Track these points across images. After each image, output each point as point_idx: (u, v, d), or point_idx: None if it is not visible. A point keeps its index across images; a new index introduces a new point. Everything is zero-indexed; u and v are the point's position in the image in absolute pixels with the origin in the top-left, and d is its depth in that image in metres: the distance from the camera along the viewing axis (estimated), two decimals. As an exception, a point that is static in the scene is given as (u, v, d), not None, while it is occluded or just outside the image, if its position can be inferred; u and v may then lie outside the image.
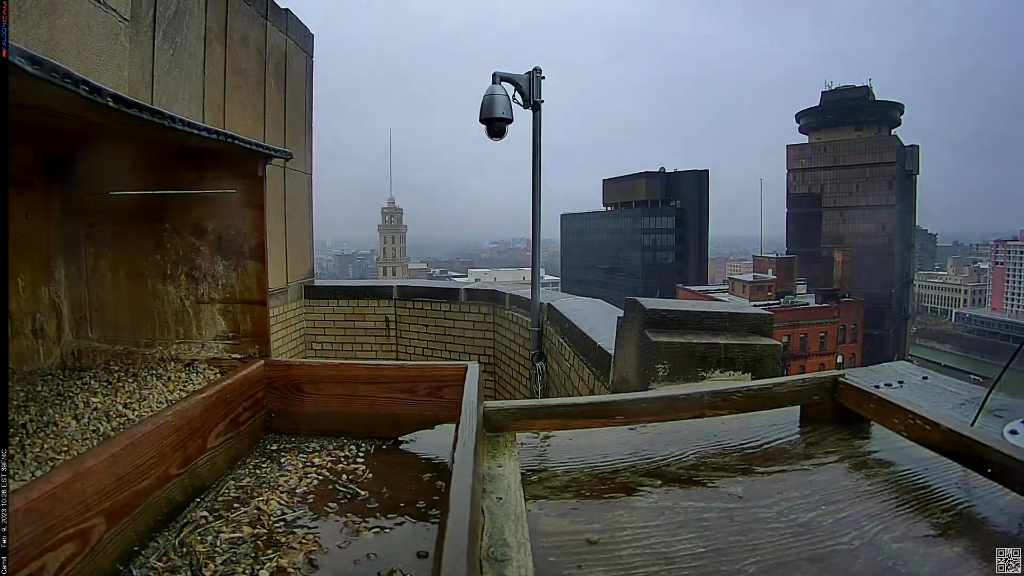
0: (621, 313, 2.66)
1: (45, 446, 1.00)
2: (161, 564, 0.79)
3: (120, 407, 1.16)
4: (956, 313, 79.18)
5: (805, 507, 0.81)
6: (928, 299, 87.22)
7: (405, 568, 0.77)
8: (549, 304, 4.40)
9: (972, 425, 1.41)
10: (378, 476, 1.05)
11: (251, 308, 1.36)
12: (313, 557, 0.81)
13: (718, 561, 0.69)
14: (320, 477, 1.05)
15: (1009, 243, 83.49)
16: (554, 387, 4.25)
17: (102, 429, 1.09)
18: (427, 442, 1.19)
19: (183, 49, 3.84)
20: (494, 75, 4.34)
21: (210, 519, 0.90)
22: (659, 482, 0.90)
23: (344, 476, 1.05)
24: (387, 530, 0.88)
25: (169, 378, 1.30)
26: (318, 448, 1.17)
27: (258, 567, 0.78)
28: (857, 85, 63.00)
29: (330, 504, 0.95)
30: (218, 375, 1.30)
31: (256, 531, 0.87)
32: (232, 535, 0.85)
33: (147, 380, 1.29)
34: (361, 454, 1.15)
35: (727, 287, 47.12)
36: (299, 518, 0.91)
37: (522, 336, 5.03)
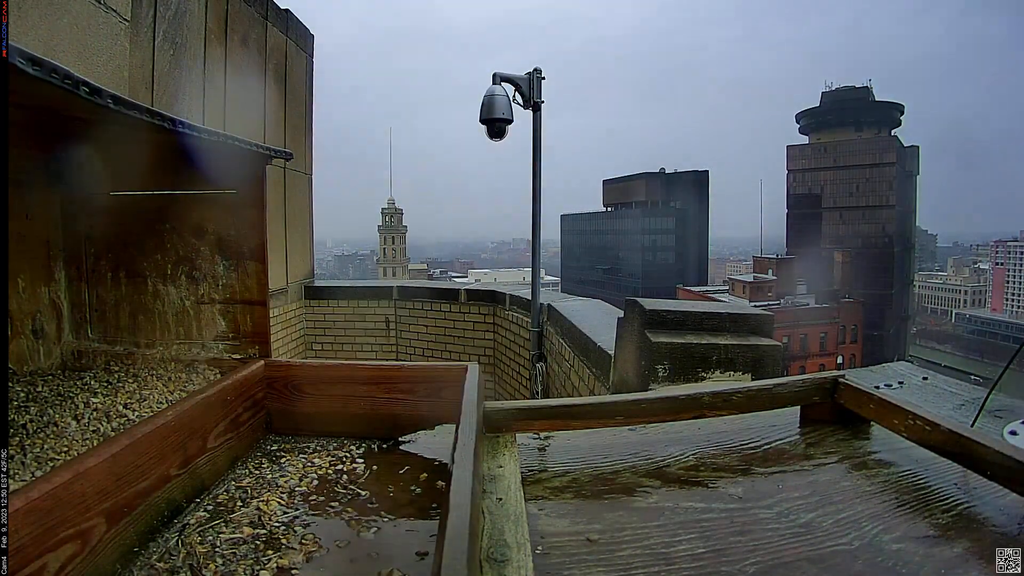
0: (621, 313, 2.66)
1: (45, 446, 1.00)
2: (162, 564, 0.79)
3: (120, 407, 1.16)
4: (956, 314, 79.14)
5: (805, 508, 0.81)
6: (928, 300, 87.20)
7: (405, 568, 0.77)
8: (549, 305, 4.40)
9: (972, 426, 1.41)
10: (378, 476, 1.05)
11: (251, 309, 1.36)
12: (313, 557, 0.81)
13: (718, 562, 0.69)
14: (320, 477, 1.05)
15: (1009, 244, 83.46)
16: (554, 387, 4.25)
17: (102, 429, 1.09)
18: (427, 442, 1.19)
19: (183, 50, 3.84)
20: (494, 76, 4.34)
21: (210, 519, 0.90)
22: (659, 483, 0.90)
23: (344, 476, 1.05)
24: (387, 530, 0.88)
25: (169, 378, 1.31)
26: (318, 448, 1.17)
27: (258, 567, 0.78)
28: (857, 86, 63.03)
29: (330, 504, 0.95)
30: (218, 376, 1.30)
31: (256, 531, 0.87)
32: (232, 535, 0.85)
33: (147, 380, 1.29)
34: (361, 454, 1.15)
35: (727, 288, 47.13)
36: (299, 518, 0.91)
37: (522, 336, 5.03)
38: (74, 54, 1.90)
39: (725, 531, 0.76)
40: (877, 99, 61.97)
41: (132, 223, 1.36)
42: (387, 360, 5.81)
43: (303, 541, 0.84)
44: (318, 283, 6.34)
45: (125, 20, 2.15)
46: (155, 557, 0.81)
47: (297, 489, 1.00)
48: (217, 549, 0.82)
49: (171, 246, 1.36)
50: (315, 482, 1.03)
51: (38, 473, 0.91)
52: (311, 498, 0.97)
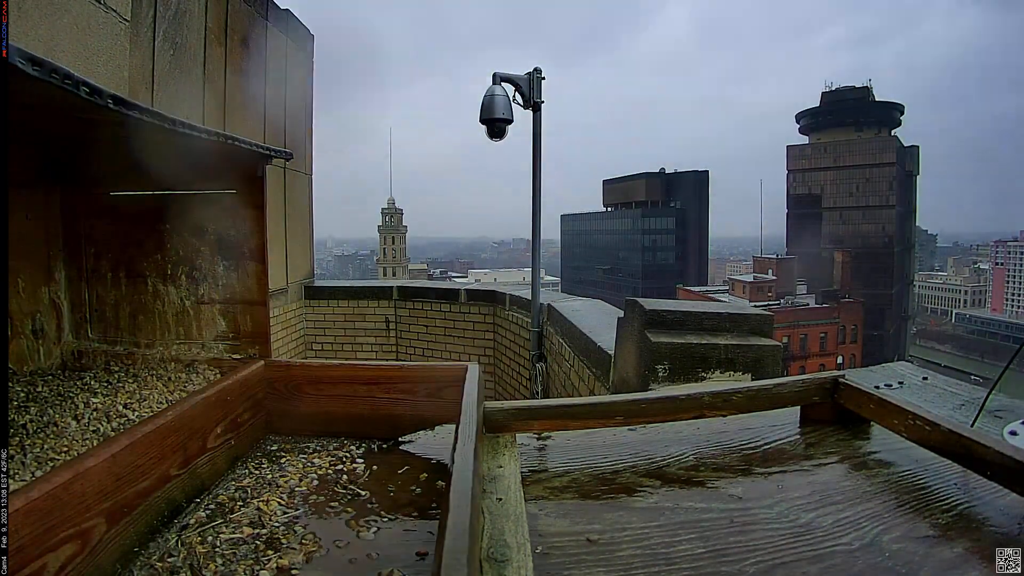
0: (621, 314, 2.66)
1: (45, 446, 1.00)
2: (161, 564, 0.79)
3: (120, 407, 1.16)
4: (956, 314, 79.16)
5: (805, 508, 0.81)
6: (928, 300, 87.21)
7: (405, 568, 0.77)
8: (549, 305, 4.40)
9: (972, 426, 1.41)
10: (378, 476, 1.05)
11: (251, 309, 1.36)
12: (313, 557, 0.81)
13: (718, 562, 0.69)
14: (320, 477, 1.05)
15: (1009, 244, 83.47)
16: (554, 387, 4.25)
17: (102, 429, 1.09)
18: (427, 442, 1.19)
19: (183, 50, 3.84)
20: (494, 75, 4.34)
21: (210, 519, 0.90)
22: (659, 483, 0.90)
23: (344, 476, 1.05)
24: (387, 530, 0.88)
25: (169, 378, 1.31)
26: (318, 448, 1.17)
27: (258, 567, 0.78)
28: (857, 86, 63.03)
29: (330, 504, 0.95)
30: (218, 376, 1.30)
31: (256, 531, 0.87)
32: (232, 535, 0.85)
33: (147, 380, 1.29)
34: (361, 454, 1.15)
35: (727, 288, 47.15)
36: (299, 518, 0.91)
37: (522, 337, 5.03)
38: (74, 54, 1.90)
39: (725, 531, 0.76)
40: (877, 99, 61.96)
41: (132, 223, 1.36)
42: (387, 360, 5.81)
43: (303, 541, 0.84)
44: (318, 283, 6.34)
45: (125, 20, 2.15)
46: (155, 557, 0.81)
47: (297, 489, 1.00)
48: (217, 549, 0.82)
49: (171, 246, 1.36)
50: (315, 482, 1.03)
51: (38, 473, 0.91)
52: (311, 498, 0.97)
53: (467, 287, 6.09)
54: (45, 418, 1.08)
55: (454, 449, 0.77)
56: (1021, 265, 79.54)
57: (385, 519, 0.91)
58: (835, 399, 1.08)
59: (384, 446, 1.18)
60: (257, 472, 1.07)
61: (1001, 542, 0.70)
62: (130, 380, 1.29)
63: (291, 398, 1.25)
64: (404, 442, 1.20)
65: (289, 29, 5.68)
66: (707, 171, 67.89)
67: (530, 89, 4.38)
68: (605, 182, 74.63)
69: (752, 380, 2.02)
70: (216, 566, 0.78)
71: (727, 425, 1.10)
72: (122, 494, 0.80)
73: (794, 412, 1.12)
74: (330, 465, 1.09)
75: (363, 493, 0.99)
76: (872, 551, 0.70)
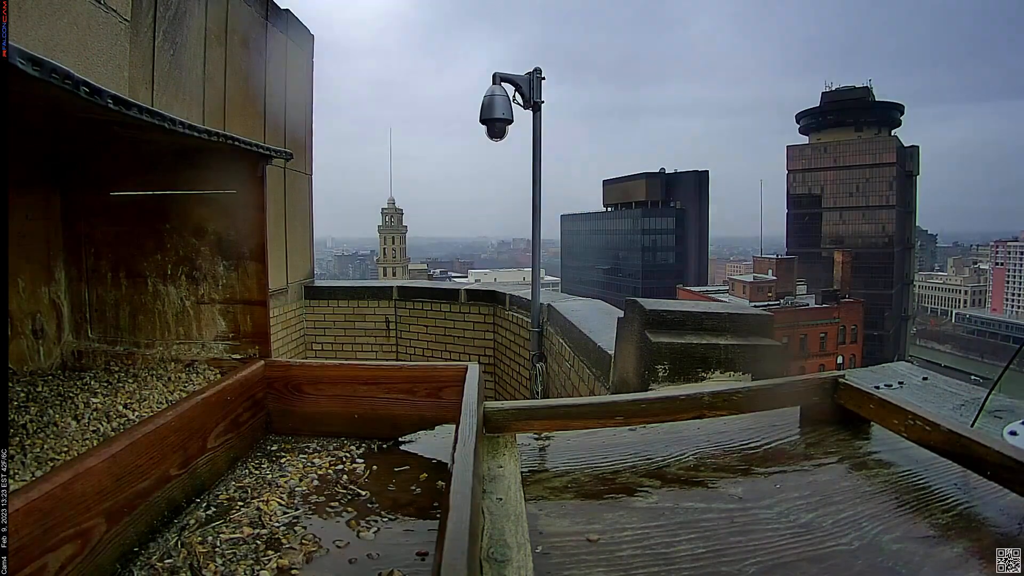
0: (621, 314, 2.66)
1: (45, 446, 1.00)
2: (161, 564, 0.79)
3: (120, 407, 1.16)
4: (956, 314, 79.20)
5: (805, 508, 0.81)
6: (928, 300, 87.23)
7: (405, 568, 0.77)
8: (549, 305, 4.40)
9: (972, 426, 1.41)
10: (378, 476, 1.05)
11: (251, 309, 1.36)
12: (313, 557, 0.81)
13: (718, 562, 0.69)
14: (320, 477, 1.05)
15: (1009, 244, 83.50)
16: (554, 387, 4.25)
17: (102, 429, 1.09)
18: (427, 443, 1.19)
19: (183, 50, 3.84)
20: (494, 76, 4.34)
21: (210, 519, 0.90)
22: (659, 483, 0.90)
23: (344, 476, 1.05)
24: (387, 530, 0.88)
25: (169, 379, 1.30)
26: (318, 448, 1.17)
27: (258, 567, 0.78)
28: (857, 86, 63.04)
29: (330, 504, 0.95)
30: (218, 376, 1.30)
31: (256, 531, 0.87)
32: (232, 535, 0.85)
33: (147, 380, 1.29)
34: (361, 454, 1.15)
35: (727, 288, 47.16)
36: (299, 518, 0.91)
37: (522, 336, 5.03)
38: (74, 54, 1.90)
39: (725, 531, 0.76)
40: (877, 99, 61.97)
41: (132, 223, 1.36)
42: (387, 360, 5.80)
43: (303, 541, 0.84)
44: (318, 283, 6.34)
45: (125, 20, 2.15)
46: (155, 557, 0.81)
47: (297, 489, 1.00)
48: (217, 549, 0.82)
49: (171, 246, 1.36)
50: (315, 482, 1.03)
51: (38, 473, 0.91)
52: (311, 498, 0.97)
53: (467, 287, 6.09)
54: (45, 418, 1.08)
55: (454, 449, 0.77)
56: (1021, 265, 79.57)
57: (385, 519, 0.91)
58: (835, 399, 1.08)
59: (384, 446, 1.18)
60: (257, 472, 1.07)
61: (1001, 542, 0.70)
62: (130, 380, 1.29)
63: (291, 398, 1.25)
64: (404, 442, 1.20)
65: (289, 29, 5.68)
66: (707, 171, 68.00)
67: (530, 89, 4.38)
68: (605, 182, 74.66)
69: (752, 380, 2.02)
70: (216, 566, 0.78)
71: (727, 425, 1.10)
72: (122, 494, 0.80)
73: (794, 412, 1.12)
74: (330, 465, 1.09)
75: (363, 493, 0.99)
76: (872, 551, 0.71)
